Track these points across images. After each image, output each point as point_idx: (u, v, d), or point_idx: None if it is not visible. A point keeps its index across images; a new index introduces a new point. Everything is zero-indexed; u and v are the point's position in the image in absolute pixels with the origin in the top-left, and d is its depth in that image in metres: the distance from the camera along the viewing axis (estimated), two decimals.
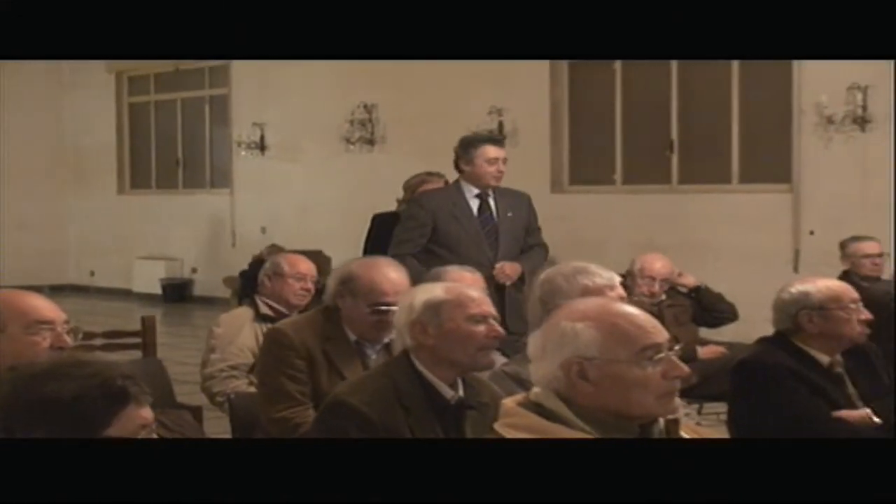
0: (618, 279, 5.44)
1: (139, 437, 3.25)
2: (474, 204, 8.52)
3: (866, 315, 5.92)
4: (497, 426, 3.40)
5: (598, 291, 5.14)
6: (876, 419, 5.76)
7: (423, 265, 7.88)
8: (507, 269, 8.26)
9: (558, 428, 3.29)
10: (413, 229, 8.54)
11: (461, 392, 4.57)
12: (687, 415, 4.18)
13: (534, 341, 3.49)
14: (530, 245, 8.59)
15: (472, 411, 4.54)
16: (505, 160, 8.59)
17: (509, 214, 8.56)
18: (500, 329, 4.68)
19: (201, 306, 18.63)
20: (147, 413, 3.25)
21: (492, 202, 8.54)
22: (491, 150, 8.54)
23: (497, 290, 7.92)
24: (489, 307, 4.70)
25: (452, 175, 8.86)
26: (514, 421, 3.36)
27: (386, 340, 5.40)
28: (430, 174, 9.79)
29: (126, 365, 3.67)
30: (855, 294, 6.01)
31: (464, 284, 5.17)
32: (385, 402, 4.45)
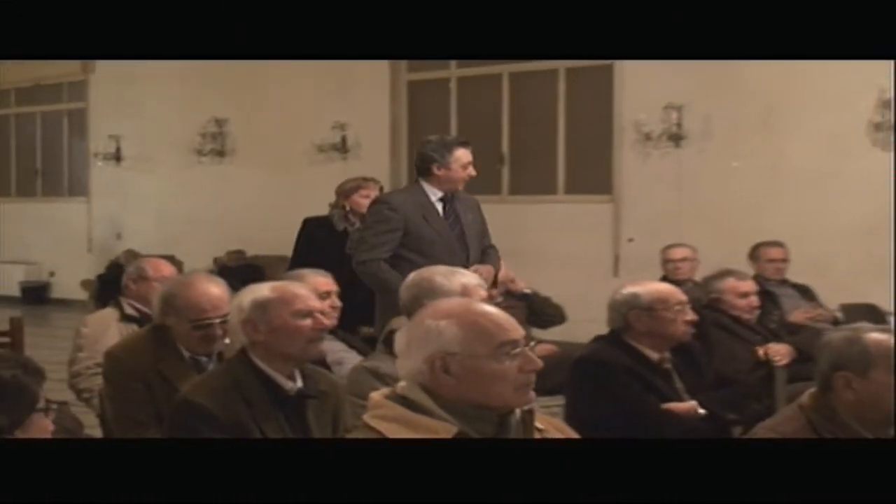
0: (480, 281, 5.49)
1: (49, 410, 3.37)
2: (439, 206, 7.91)
3: (691, 316, 6.08)
4: (366, 417, 3.42)
5: (473, 290, 5.23)
6: (701, 410, 5.86)
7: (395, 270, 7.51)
8: (484, 272, 7.56)
9: (423, 419, 3.33)
10: (386, 233, 7.80)
11: (300, 383, 4.59)
12: None
13: (400, 338, 3.51)
14: (485, 247, 8.18)
15: (313, 400, 4.60)
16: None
17: (469, 217, 8.05)
18: (325, 322, 4.74)
19: (59, 308, 18.33)
20: None
21: (453, 205, 7.98)
22: (465, 154, 7.93)
23: None
24: (314, 302, 4.75)
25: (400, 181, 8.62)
26: (382, 412, 3.38)
27: (218, 350, 5.32)
28: (365, 179, 9.25)
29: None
30: (682, 297, 6.15)
31: (291, 283, 5.09)
32: (228, 398, 4.46)
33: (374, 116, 15.11)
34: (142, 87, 17.36)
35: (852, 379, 4.21)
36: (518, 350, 3.38)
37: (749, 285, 7.69)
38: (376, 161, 15.00)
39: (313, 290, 6.30)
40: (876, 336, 4.31)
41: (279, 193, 15.87)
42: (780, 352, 7.20)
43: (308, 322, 4.62)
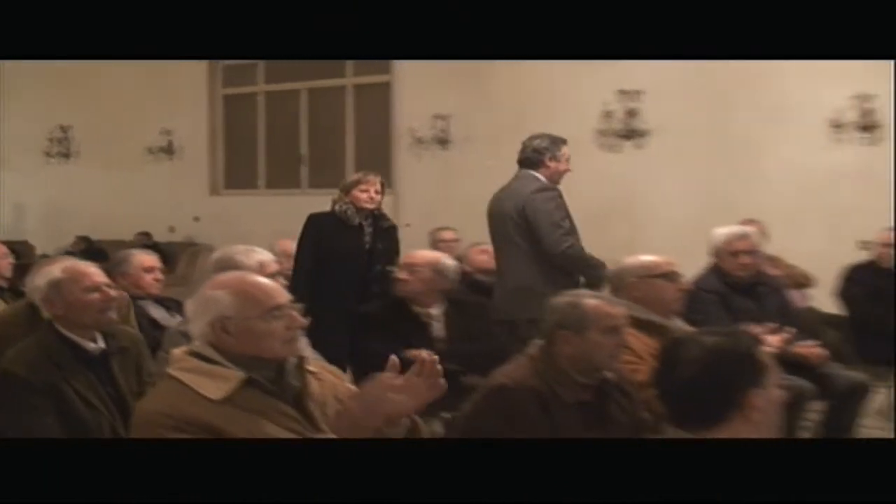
0: (273, 258, 5.42)
1: None
2: None
3: (403, 276, 6.37)
4: (169, 370, 3.45)
5: (268, 265, 5.17)
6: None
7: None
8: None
9: (216, 368, 3.40)
10: (567, 218, 6.91)
11: (102, 344, 4.55)
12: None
13: (189, 307, 3.59)
14: None
15: (117, 356, 4.56)
16: None
17: None
18: (112, 293, 4.63)
19: None
20: None
21: None
22: (568, 151, 7.25)
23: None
24: (100, 277, 4.66)
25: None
26: (182, 365, 3.43)
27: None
28: (366, 174, 7.95)
29: None
30: (418, 261, 6.38)
31: (79, 261, 4.89)
32: (40, 364, 4.39)
33: (196, 123, 14.95)
34: None
35: (571, 337, 4.34)
36: (283, 312, 3.48)
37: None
38: (197, 161, 14.91)
39: (139, 265, 6.25)
40: (592, 302, 4.45)
41: (117, 189, 15.58)
42: None
43: (97, 296, 4.54)
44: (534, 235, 6.90)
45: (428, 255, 6.58)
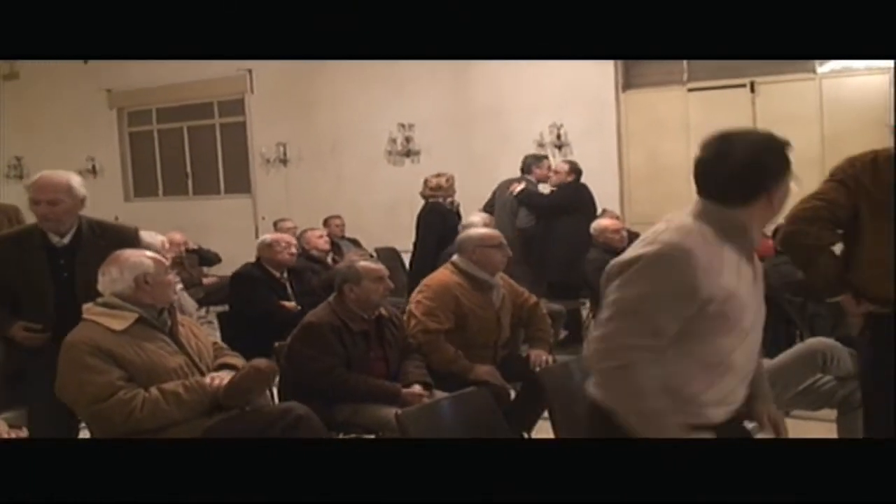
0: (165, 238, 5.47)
1: None
2: None
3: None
4: (84, 316, 3.57)
5: (165, 243, 5.30)
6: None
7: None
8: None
9: (117, 311, 3.54)
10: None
11: (67, 241, 4.13)
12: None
13: (112, 271, 3.61)
14: None
15: (81, 250, 4.10)
16: None
17: None
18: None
19: None
20: None
21: None
22: (547, 162, 8.47)
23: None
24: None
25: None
26: (92, 311, 3.57)
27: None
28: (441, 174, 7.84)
29: None
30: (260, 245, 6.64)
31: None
32: (8, 246, 4.21)
33: (111, 153, 14.45)
34: None
35: (353, 286, 4.49)
36: (170, 271, 3.70)
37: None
38: (114, 179, 14.45)
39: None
40: (362, 263, 4.58)
41: None
42: None
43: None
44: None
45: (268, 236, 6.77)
